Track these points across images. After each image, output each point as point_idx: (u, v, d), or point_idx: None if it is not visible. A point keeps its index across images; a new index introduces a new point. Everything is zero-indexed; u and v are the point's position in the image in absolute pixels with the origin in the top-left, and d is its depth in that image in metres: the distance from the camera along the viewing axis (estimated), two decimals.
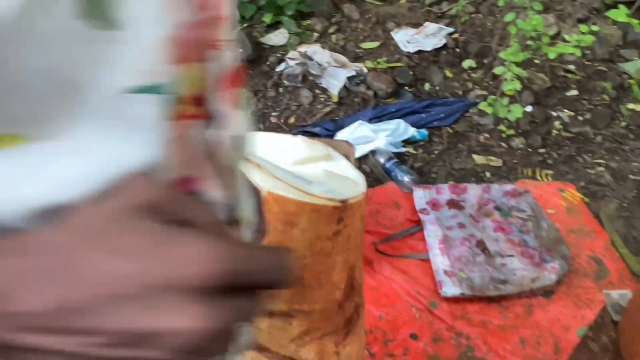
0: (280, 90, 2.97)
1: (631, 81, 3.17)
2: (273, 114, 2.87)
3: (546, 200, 2.50)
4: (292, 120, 2.82)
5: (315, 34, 3.26)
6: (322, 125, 2.67)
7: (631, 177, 2.63)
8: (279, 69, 3.04)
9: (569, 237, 2.33)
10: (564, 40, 2.29)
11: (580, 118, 2.95)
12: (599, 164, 2.70)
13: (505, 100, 2.49)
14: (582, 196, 2.52)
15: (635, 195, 2.54)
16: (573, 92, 3.08)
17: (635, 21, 2.44)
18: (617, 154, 2.76)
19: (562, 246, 2.21)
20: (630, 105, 3.04)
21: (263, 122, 2.82)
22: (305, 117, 2.83)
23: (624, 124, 2.93)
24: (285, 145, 1.23)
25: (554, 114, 2.95)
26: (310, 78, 2.96)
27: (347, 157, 2.01)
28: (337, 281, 1.22)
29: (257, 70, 3.06)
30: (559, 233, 2.27)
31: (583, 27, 2.30)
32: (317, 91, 2.95)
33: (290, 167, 1.18)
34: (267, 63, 3.09)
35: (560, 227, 2.37)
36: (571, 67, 3.21)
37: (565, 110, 2.97)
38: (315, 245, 1.13)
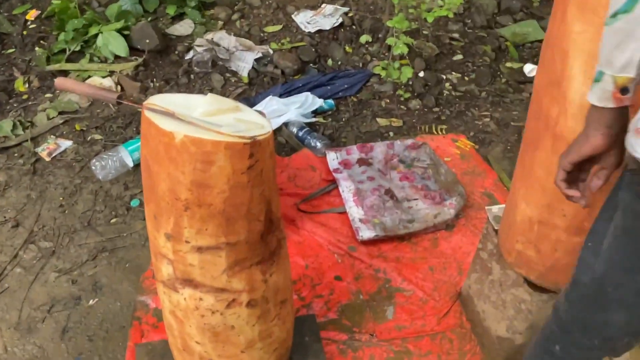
0: (192, 77, 3.09)
1: (507, 43, 3.58)
2: None
3: (443, 150, 2.81)
4: None
5: (220, 22, 3.40)
6: None
7: (512, 123, 3.00)
8: (188, 57, 3.16)
9: (464, 179, 2.65)
10: (439, 6, 2.58)
11: (466, 78, 3.30)
12: (485, 116, 3.05)
13: (397, 64, 2.76)
14: (472, 144, 2.85)
15: (516, 138, 2.91)
16: (459, 57, 3.44)
17: None
18: (499, 106, 3.13)
19: (459, 186, 2.52)
20: (508, 64, 3.44)
21: None
22: None
23: (504, 80, 3.32)
24: (197, 101, 1.39)
25: (444, 76, 3.28)
26: (220, 63, 3.11)
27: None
28: (256, 213, 1.40)
29: (167, 60, 3.16)
30: (455, 176, 2.58)
31: None
32: (228, 74, 3.10)
33: (201, 117, 1.34)
34: (176, 52, 3.20)
35: (456, 171, 2.69)
36: (455, 35, 3.57)
37: (453, 73, 3.32)
38: (232, 180, 1.29)
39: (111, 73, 3.02)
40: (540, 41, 3.63)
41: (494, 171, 2.70)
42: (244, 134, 1.28)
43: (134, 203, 2.43)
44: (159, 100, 1.38)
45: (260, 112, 2.29)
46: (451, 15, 2.68)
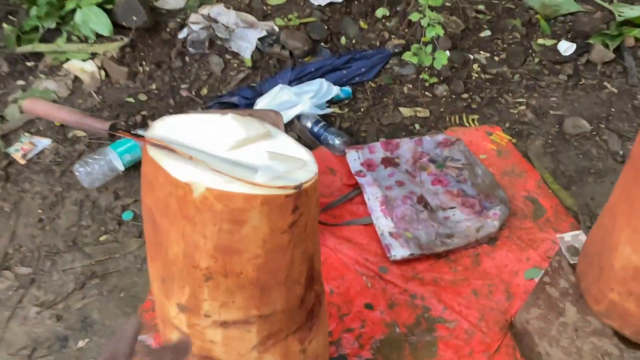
0: (187, 59, 2.69)
1: (538, 16, 3.21)
2: (182, 86, 2.60)
3: (477, 146, 2.48)
4: (204, 91, 2.57)
5: None
6: (239, 93, 2.45)
7: (551, 112, 2.67)
8: (181, 35, 2.74)
9: (503, 180, 2.34)
10: None
11: (496, 58, 2.94)
12: (520, 103, 2.71)
13: (429, 48, 2.40)
14: (509, 137, 2.53)
15: (557, 130, 2.58)
16: (486, 33, 3.07)
17: None
18: (535, 91, 2.79)
19: (499, 190, 2.20)
20: (540, 41, 3.08)
21: (172, 97, 2.55)
22: (219, 87, 2.59)
23: (537, 60, 2.96)
24: (215, 128, 1.04)
25: (471, 56, 2.92)
26: (218, 42, 2.70)
27: (275, 126, 1.83)
28: (296, 276, 1.07)
29: (158, 39, 2.74)
30: (493, 178, 2.26)
31: None
32: (228, 56, 2.70)
33: (226, 153, 0.99)
34: (167, 30, 2.78)
35: (494, 171, 2.37)
36: (481, 7, 3.19)
37: (482, 52, 2.95)
38: (270, 242, 0.96)
39: (93, 55, 2.61)
40: (573, 14, 3.27)
41: (536, 170, 2.39)
42: (286, 182, 0.93)
43: (127, 216, 2.08)
44: (165, 128, 1.03)
45: (274, 112, 1.94)
46: None
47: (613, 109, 2.70)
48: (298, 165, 1.00)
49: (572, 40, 3.05)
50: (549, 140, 2.54)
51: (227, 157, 0.98)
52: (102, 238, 2.02)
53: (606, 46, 2.99)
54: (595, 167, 2.42)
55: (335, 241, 2.06)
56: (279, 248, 0.99)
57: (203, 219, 0.92)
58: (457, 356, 1.77)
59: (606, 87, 2.83)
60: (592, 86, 2.83)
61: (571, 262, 1.50)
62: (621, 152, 2.48)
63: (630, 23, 3.10)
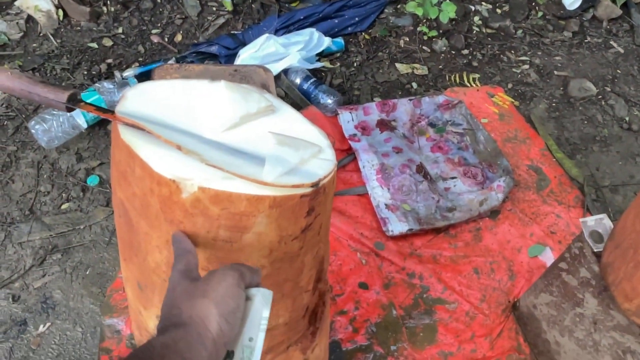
0: (158, 0, 2.37)
1: None
2: (153, 31, 2.29)
3: (478, 109, 2.29)
4: (179, 37, 2.28)
5: None
6: (219, 42, 2.17)
7: (556, 73, 2.49)
8: None
9: (506, 148, 2.17)
10: None
11: (499, 11, 2.71)
12: (524, 62, 2.52)
13: None
14: (511, 99, 2.34)
15: (562, 93, 2.41)
16: None
17: None
18: (539, 48, 2.59)
19: (502, 158, 2.04)
20: None
21: (142, 43, 2.25)
22: (196, 33, 2.30)
23: (540, 14, 2.75)
24: (205, 100, 0.81)
25: (473, 8, 2.68)
26: None
27: (265, 87, 1.60)
28: (305, 284, 0.89)
29: None
30: (496, 144, 2.09)
31: None
32: None
33: (221, 135, 0.77)
34: None
35: (496, 136, 2.20)
36: None
37: (484, 3, 2.72)
38: (277, 251, 0.77)
39: None
40: None
41: (540, 137, 2.23)
42: (300, 178, 0.73)
43: (92, 181, 1.84)
44: (140, 99, 0.80)
45: (263, 68, 1.69)
46: None
47: (619, 71, 2.54)
48: (312, 151, 0.79)
49: None
50: (553, 104, 2.37)
51: (222, 141, 0.76)
52: (64, 206, 1.78)
53: (613, 1, 2.79)
54: (600, 135, 2.28)
55: None
56: (287, 257, 0.80)
57: (194, 225, 0.71)
58: (457, 341, 1.65)
59: (612, 46, 2.65)
60: (597, 45, 2.65)
61: (595, 250, 1.36)
62: (627, 119, 2.34)
63: None
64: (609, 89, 2.44)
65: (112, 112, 0.74)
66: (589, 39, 2.67)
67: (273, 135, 0.78)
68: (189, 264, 0.65)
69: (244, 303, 0.63)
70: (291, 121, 0.87)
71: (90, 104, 0.76)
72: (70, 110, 0.77)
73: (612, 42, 2.65)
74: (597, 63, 2.56)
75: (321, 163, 0.78)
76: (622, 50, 2.63)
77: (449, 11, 2.12)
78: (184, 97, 0.82)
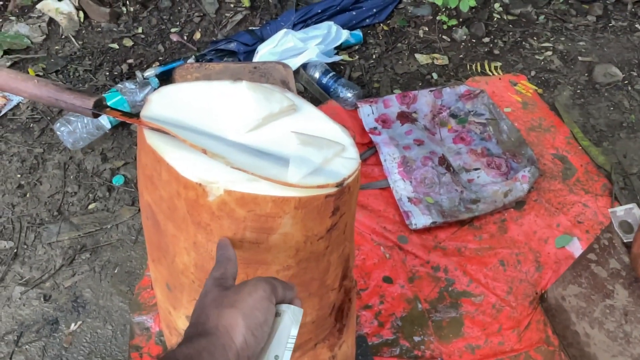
0: None
1: None
2: (172, 29, 2.31)
3: (500, 98, 2.26)
4: (198, 35, 2.29)
5: None
6: (237, 39, 2.18)
7: (580, 59, 2.44)
8: None
9: (530, 137, 2.14)
10: None
11: None
12: (546, 48, 2.47)
13: None
14: (535, 87, 2.30)
15: (586, 79, 2.36)
16: None
17: None
18: (561, 34, 2.54)
19: (527, 148, 2.01)
20: None
21: (162, 42, 2.27)
22: (214, 30, 2.30)
23: None
24: (228, 101, 0.82)
25: None
26: None
27: (285, 83, 1.60)
28: (331, 282, 0.89)
29: None
30: (520, 134, 2.06)
31: None
32: None
33: (244, 136, 0.78)
34: None
35: (519, 126, 2.16)
36: None
37: None
38: (303, 251, 0.77)
39: None
40: None
41: (564, 124, 2.19)
42: (325, 178, 0.73)
43: (118, 180, 1.87)
44: (164, 102, 0.80)
45: (283, 65, 1.69)
46: None
47: None
48: (335, 150, 0.79)
49: None
50: (578, 91, 2.32)
51: (246, 143, 0.76)
52: (91, 206, 1.82)
53: None
54: (627, 121, 2.23)
55: None
56: (313, 256, 0.80)
57: (221, 226, 0.72)
58: (484, 334, 1.64)
59: (638, 29, 2.58)
60: (622, 29, 2.58)
61: (625, 240, 1.33)
62: None
63: None
64: (635, 74, 2.38)
65: (137, 116, 0.75)
66: (613, 22, 2.60)
67: (296, 135, 0.78)
68: (226, 272, 0.64)
69: (272, 318, 0.61)
70: (313, 119, 0.87)
71: (116, 109, 0.77)
72: (96, 116, 0.78)
73: (637, 25, 2.58)
74: (622, 47, 2.50)
75: (345, 162, 0.78)
76: None
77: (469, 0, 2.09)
78: (207, 99, 0.83)
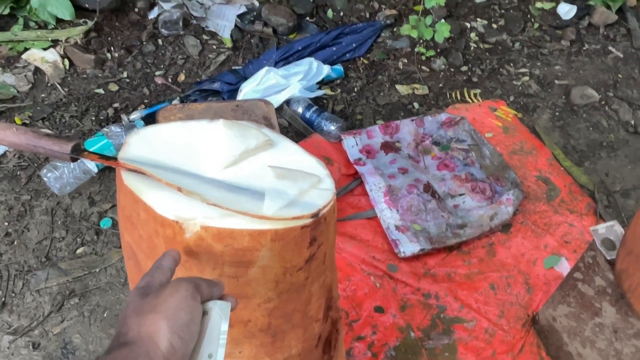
0: (160, 41, 2.43)
1: None
2: (157, 72, 2.35)
3: (481, 123, 2.30)
4: (182, 77, 2.34)
5: None
6: (220, 78, 2.22)
7: (557, 82, 2.50)
8: (152, 15, 2.48)
9: (513, 160, 2.17)
10: None
11: (494, 26, 2.74)
12: (523, 74, 2.53)
13: (428, 19, 2.19)
14: (514, 112, 2.35)
15: (564, 101, 2.42)
16: None
17: None
18: (537, 59, 2.61)
19: (509, 171, 2.04)
20: (538, 4, 2.88)
21: (147, 85, 2.31)
22: (198, 71, 2.35)
23: (536, 25, 2.77)
24: (205, 140, 0.84)
25: (468, 24, 2.71)
26: (193, 22, 2.45)
27: (267, 119, 1.63)
28: (314, 313, 0.89)
29: (126, 21, 2.48)
30: (502, 158, 2.09)
31: None
32: (205, 37, 2.45)
33: (221, 172, 0.79)
34: (136, 10, 2.51)
35: (502, 150, 2.20)
36: None
37: (479, 20, 2.75)
38: (283, 283, 0.78)
39: (54, 43, 2.34)
40: None
41: (546, 146, 2.23)
42: (300, 209, 0.75)
43: (105, 223, 1.87)
44: (141, 143, 0.82)
45: (264, 102, 1.72)
46: None
47: (620, 75, 2.54)
48: (311, 182, 0.80)
49: (571, 2, 2.86)
50: (557, 113, 2.37)
51: (223, 180, 0.78)
52: (79, 250, 1.81)
53: (608, 7, 2.81)
54: (607, 140, 2.27)
55: (338, 239, 1.88)
56: (294, 288, 0.81)
57: (199, 262, 0.73)
58: (479, 359, 1.63)
59: (611, 51, 2.66)
60: (596, 51, 2.66)
61: (608, 257, 1.34)
62: (632, 122, 2.33)
63: None
64: (611, 94, 2.44)
65: (115, 159, 0.77)
66: (587, 46, 2.68)
67: (272, 169, 0.80)
68: (151, 281, 0.61)
69: (199, 316, 0.59)
70: (290, 153, 0.89)
71: (93, 153, 0.79)
72: (74, 160, 0.79)
73: (610, 48, 2.66)
74: (597, 69, 2.57)
75: (320, 193, 0.80)
76: (621, 55, 2.63)
77: (444, 31, 2.15)
78: (185, 139, 0.85)
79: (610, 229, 1.39)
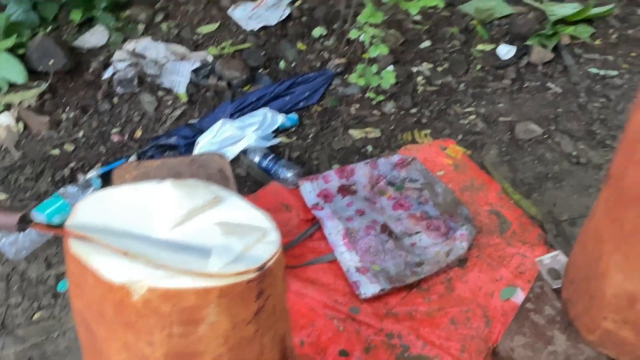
0: (115, 100, 2.47)
1: (474, 22, 3.19)
2: (113, 130, 2.37)
3: (433, 162, 2.39)
4: (139, 133, 2.36)
5: (141, 26, 2.76)
6: (177, 133, 2.26)
7: (501, 119, 2.63)
8: (106, 75, 2.52)
9: (464, 196, 2.25)
10: None
11: (439, 69, 2.89)
12: (470, 113, 2.66)
13: (374, 68, 2.29)
14: (463, 149, 2.46)
15: (510, 137, 2.54)
16: (426, 43, 3.01)
17: None
18: (482, 98, 2.75)
19: (462, 207, 2.12)
20: (480, 47, 3.05)
21: (103, 143, 2.33)
22: (155, 127, 2.39)
23: (479, 66, 2.93)
24: (153, 201, 0.87)
25: (415, 69, 2.85)
26: (148, 79, 2.50)
27: (222, 172, 1.67)
28: None
29: (80, 82, 2.51)
30: (454, 195, 2.17)
31: None
32: (161, 93, 2.50)
33: (169, 232, 0.82)
34: (90, 71, 2.55)
35: (454, 187, 2.28)
36: (417, 17, 3.14)
37: (424, 64, 2.89)
38: (233, 337, 0.80)
39: (8, 107, 2.35)
40: (507, 17, 3.28)
41: (495, 181, 2.32)
42: (246, 264, 0.78)
43: (62, 286, 1.84)
44: (90, 210, 0.85)
45: (219, 155, 1.76)
46: (442, 5, 2.23)
47: (560, 109, 2.70)
48: (256, 236, 0.84)
49: (510, 43, 3.05)
50: (503, 148, 2.49)
51: (170, 239, 0.81)
52: (36, 316, 1.78)
53: (544, 46, 3.00)
54: (552, 172, 2.39)
55: (300, 284, 1.90)
56: (245, 341, 0.83)
57: (148, 324, 0.75)
58: None
59: (550, 87, 2.82)
60: (536, 88, 2.82)
61: (554, 287, 1.41)
62: (574, 153, 2.46)
63: (564, 21, 3.13)
64: (553, 128, 2.58)
65: (62, 227, 0.79)
66: (527, 83, 2.84)
67: (219, 225, 0.84)
68: None
69: None
70: (238, 208, 0.92)
71: (40, 223, 0.81)
72: (22, 229, 0.81)
73: (549, 84, 2.83)
74: (538, 105, 2.72)
75: (266, 246, 0.83)
76: (559, 90, 2.80)
77: (389, 78, 2.26)
78: (134, 202, 0.88)
79: (555, 258, 1.46)
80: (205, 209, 0.89)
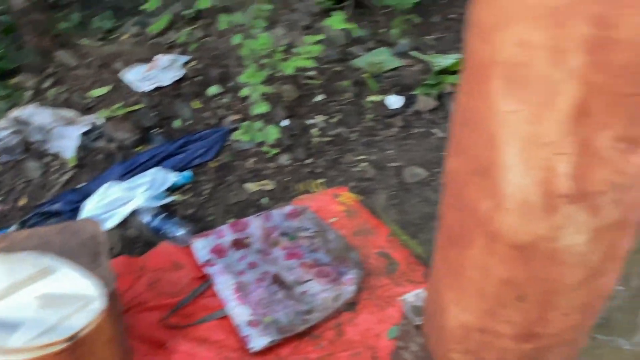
0: None
1: (366, 75, 3.39)
2: None
3: (326, 210, 2.47)
4: (23, 201, 2.30)
5: (28, 92, 2.74)
6: (62, 199, 2.23)
7: (389, 165, 2.78)
8: None
9: (356, 240, 2.34)
10: (298, 54, 2.25)
11: (333, 120, 3.03)
12: (362, 160, 2.79)
13: (259, 124, 2.38)
14: (355, 196, 2.56)
15: (398, 181, 2.68)
16: (320, 97, 3.16)
17: (353, 26, 2.54)
18: (373, 146, 2.90)
19: (352, 252, 2.20)
20: (371, 98, 3.24)
21: None
22: (40, 193, 2.34)
23: (370, 116, 3.10)
24: None
25: (309, 121, 2.97)
26: (34, 146, 2.46)
27: (94, 238, 1.65)
28: None
29: None
30: (345, 240, 2.25)
31: (309, 38, 2.31)
32: (48, 159, 2.47)
33: None
34: None
35: (346, 232, 2.37)
36: (311, 73, 3.30)
37: (319, 116, 3.03)
38: None
39: None
40: (396, 69, 3.51)
41: (385, 224, 2.43)
42: (56, 335, 0.79)
43: None
44: None
45: (91, 221, 1.75)
46: (310, 65, 2.37)
47: (443, 153, 2.88)
48: (77, 306, 0.85)
49: (398, 93, 3.25)
50: (392, 192, 2.62)
51: None
52: None
53: (429, 95, 3.22)
54: (436, 212, 2.53)
55: (190, 345, 1.88)
56: None
57: None
58: None
59: (434, 133, 3.02)
60: (421, 134, 3.01)
61: (415, 323, 1.48)
62: None
63: (446, 71, 3.39)
64: (437, 170, 2.75)
65: None
66: (413, 130, 3.03)
67: (38, 299, 0.85)
68: None
69: None
70: (66, 279, 0.93)
71: None
72: None
73: (433, 130, 3.03)
74: (424, 150, 2.89)
75: (86, 314, 0.85)
76: (443, 135, 3.00)
77: (273, 133, 2.35)
78: None
79: (418, 296, 1.54)
80: (29, 283, 0.90)
